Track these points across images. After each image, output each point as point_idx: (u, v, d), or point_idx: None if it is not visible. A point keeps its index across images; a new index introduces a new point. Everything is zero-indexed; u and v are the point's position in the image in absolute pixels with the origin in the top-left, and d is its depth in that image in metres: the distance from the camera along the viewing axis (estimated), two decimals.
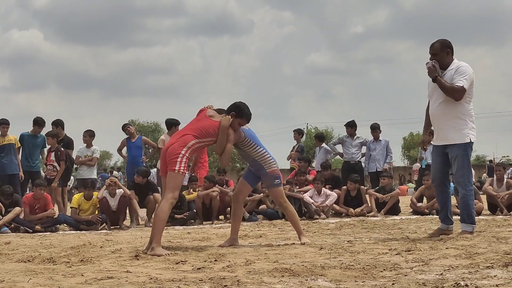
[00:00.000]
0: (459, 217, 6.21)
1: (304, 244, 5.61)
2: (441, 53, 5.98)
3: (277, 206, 9.92)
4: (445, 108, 5.91)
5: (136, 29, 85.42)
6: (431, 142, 6.42)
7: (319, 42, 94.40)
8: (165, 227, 8.66)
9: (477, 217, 9.17)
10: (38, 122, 10.33)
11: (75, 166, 11.21)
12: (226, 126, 5.47)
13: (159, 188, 9.19)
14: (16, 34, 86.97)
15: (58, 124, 10.51)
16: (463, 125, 5.87)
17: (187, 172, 10.91)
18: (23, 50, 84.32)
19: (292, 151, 12.90)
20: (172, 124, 10.71)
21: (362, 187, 10.82)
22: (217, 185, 10.00)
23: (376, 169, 11.82)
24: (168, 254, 4.97)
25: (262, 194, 10.26)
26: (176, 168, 5.27)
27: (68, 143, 10.43)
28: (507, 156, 45.83)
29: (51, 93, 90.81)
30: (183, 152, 5.31)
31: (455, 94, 5.78)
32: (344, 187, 10.65)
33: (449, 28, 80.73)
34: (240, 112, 5.60)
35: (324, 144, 12.69)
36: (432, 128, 6.25)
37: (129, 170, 10.38)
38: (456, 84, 5.78)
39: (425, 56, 6.08)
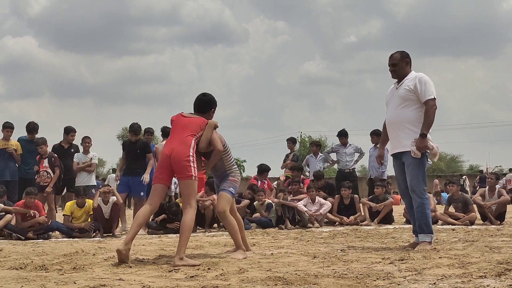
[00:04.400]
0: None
1: (235, 258, 5.24)
2: (401, 63, 6.01)
3: (271, 215, 9.95)
4: (400, 116, 5.90)
5: (130, 38, 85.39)
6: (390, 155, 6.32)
7: (313, 52, 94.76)
8: (158, 235, 8.70)
9: (470, 226, 9.25)
10: (34, 128, 10.26)
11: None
12: (213, 126, 5.48)
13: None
14: (11, 41, 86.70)
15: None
16: (418, 132, 5.79)
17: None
18: (17, 57, 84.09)
19: (287, 160, 12.87)
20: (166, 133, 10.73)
21: (356, 196, 10.83)
22: (215, 195, 9.99)
23: (370, 176, 11.82)
24: (198, 264, 4.80)
25: (255, 201, 10.26)
26: (192, 174, 5.18)
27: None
28: (500, 166, 46.04)
29: (45, 100, 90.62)
30: (191, 154, 5.23)
31: (433, 108, 5.76)
32: (337, 195, 10.67)
33: (441, 39, 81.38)
34: (216, 105, 5.70)
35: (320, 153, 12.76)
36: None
37: None
38: (427, 99, 5.76)
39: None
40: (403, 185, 6.04)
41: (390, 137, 6.12)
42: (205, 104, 5.63)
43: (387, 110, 6.13)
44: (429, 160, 6.22)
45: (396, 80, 6.09)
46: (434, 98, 5.80)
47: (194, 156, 5.25)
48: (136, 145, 9.78)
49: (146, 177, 9.65)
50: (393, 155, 6.11)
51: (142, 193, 9.63)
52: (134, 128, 9.92)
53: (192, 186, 5.20)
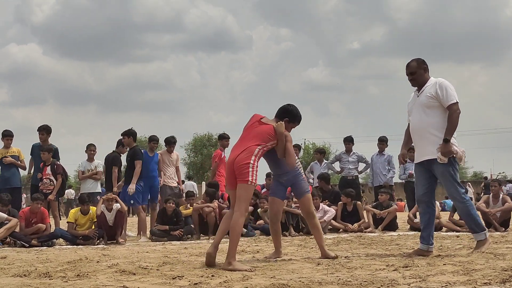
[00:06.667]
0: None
1: (330, 257, 5.66)
2: (419, 71, 5.98)
3: None
4: (424, 123, 5.89)
5: (134, 45, 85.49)
6: (409, 160, 6.23)
7: (316, 58, 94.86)
8: (162, 243, 8.69)
9: None
10: (45, 129, 10.16)
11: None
12: (282, 132, 5.56)
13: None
14: (15, 48, 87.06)
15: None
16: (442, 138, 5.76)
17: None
18: (21, 65, 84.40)
19: None
20: (170, 142, 10.79)
21: (359, 202, 10.81)
22: (216, 201, 9.98)
23: (379, 183, 11.81)
24: (250, 270, 4.85)
25: (259, 208, 10.24)
26: (249, 179, 5.27)
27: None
28: (503, 173, 45.97)
29: (49, 107, 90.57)
30: (252, 161, 5.33)
31: (457, 112, 5.76)
32: (340, 203, 10.65)
33: (444, 45, 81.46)
34: (292, 116, 5.74)
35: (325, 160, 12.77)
36: (412, 145, 6.21)
37: (145, 184, 10.07)
38: (450, 104, 5.76)
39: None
40: (421, 191, 6.03)
41: (416, 145, 6.10)
42: (280, 111, 5.74)
43: (410, 118, 6.12)
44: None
45: (416, 88, 6.07)
46: (457, 102, 5.81)
47: (256, 164, 5.35)
48: (126, 155, 9.81)
49: (131, 188, 9.44)
50: (418, 163, 6.09)
51: (132, 201, 9.56)
52: (133, 133, 9.82)
53: (247, 190, 5.29)
